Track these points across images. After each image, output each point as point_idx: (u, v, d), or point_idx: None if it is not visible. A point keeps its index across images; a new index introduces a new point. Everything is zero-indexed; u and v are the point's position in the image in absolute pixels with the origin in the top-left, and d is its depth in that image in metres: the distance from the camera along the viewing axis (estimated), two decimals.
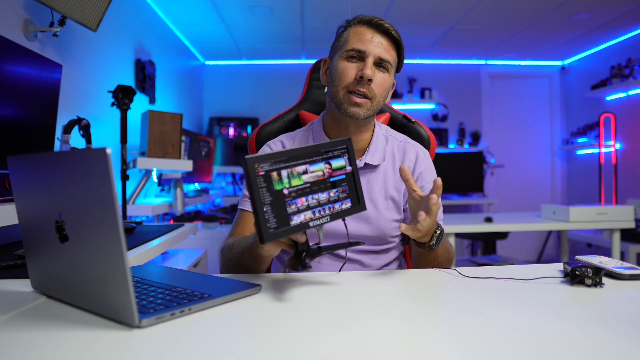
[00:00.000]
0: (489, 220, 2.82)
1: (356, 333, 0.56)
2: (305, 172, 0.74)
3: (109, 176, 0.53)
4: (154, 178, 2.71)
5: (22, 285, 0.79)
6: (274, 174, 0.70)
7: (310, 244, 0.80)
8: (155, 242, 1.34)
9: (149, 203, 2.52)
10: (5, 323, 0.60)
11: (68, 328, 0.58)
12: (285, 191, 0.71)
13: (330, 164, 0.78)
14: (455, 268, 0.91)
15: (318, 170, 0.76)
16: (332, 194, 0.77)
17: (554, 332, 0.56)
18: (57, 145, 1.62)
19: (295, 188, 0.72)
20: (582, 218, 2.73)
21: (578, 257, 0.88)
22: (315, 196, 0.74)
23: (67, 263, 0.64)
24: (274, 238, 0.68)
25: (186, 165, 2.50)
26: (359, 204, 0.81)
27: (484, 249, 4.34)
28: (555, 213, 2.88)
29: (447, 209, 4.75)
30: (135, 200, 2.44)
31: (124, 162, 2.08)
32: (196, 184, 3.58)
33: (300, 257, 0.75)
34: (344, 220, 0.83)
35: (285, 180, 0.71)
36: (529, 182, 5.16)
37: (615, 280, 0.81)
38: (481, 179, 4.60)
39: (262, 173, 0.69)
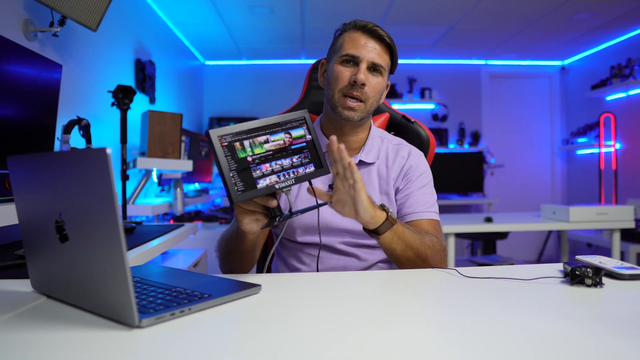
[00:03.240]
0: (489, 220, 2.82)
1: (356, 332, 0.56)
2: (266, 142, 0.81)
3: (109, 176, 0.53)
4: (154, 178, 2.71)
5: (22, 285, 0.79)
6: (237, 144, 0.77)
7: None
8: (155, 242, 1.34)
9: (149, 203, 2.52)
10: (5, 323, 0.60)
11: (68, 328, 0.58)
12: (249, 158, 0.78)
13: (290, 134, 0.84)
14: (455, 268, 0.91)
15: (279, 139, 0.83)
16: (294, 160, 0.84)
17: (554, 332, 0.56)
18: (57, 145, 1.62)
19: (259, 155, 0.79)
20: (582, 218, 2.73)
21: (578, 257, 0.88)
22: (279, 162, 0.82)
23: (67, 263, 0.64)
24: (242, 199, 0.76)
25: (186, 165, 2.50)
26: (322, 167, 0.87)
27: (484, 249, 4.34)
28: (555, 213, 2.88)
29: (447, 209, 4.75)
30: (135, 200, 2.44)
31: (124, 162, 2.08)
32: (196, 184, 3.58)
33: (274, 219, 0.83)
34: (310, 183, 0.88)
35: (248, 149, 0.78)
36: (529, 182, 5.16)
37: (615, 280, 0.81)
38: (481, 179, 4.60)
39: (226, 144, 0.76)
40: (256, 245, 1.00)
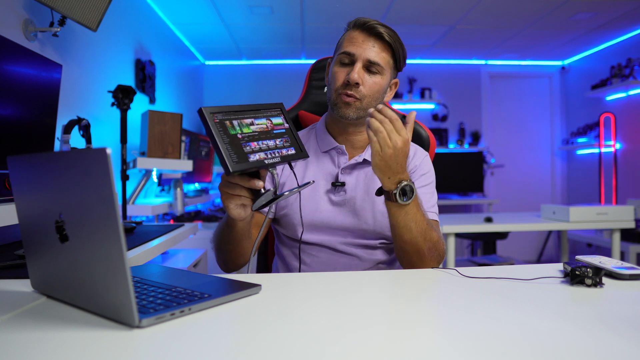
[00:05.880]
0: (489, 220, 2.82)
1: (356, 332, 0.56)
2: (252, 124, 0.87)
3: (109, 176, 0.53)
4: (154, 178, 2.71)
5: (22, 285, 0.79)
6: (227, 122, 0.82)
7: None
8: (155, 242, 1.34)
9: (149, 203, 2.52)
10: (5, 323, 0.60)
11: (68, 328, 0.58)
12: (239, 136, 0.83)
13: (271, 120, 0.91)
14: (455, 268, 0.91)
15: (262, 123, 0.89)
16: (277, 142, 0.89)
17: (554, 332, 0.56)
18: (57, 145, 1.62)
19: (247, 134, 0.85)
20: (582, 218, 2.73)
21: (578, 257, 0.88)
22: (265, 142, 0.87)
23: (67, 263, 0.64)
24: (238, 169, 0.79)
25: (186, 165, 2.50)
26: (301, 152, 0.93)
27: (484, 249, 4.34)
28: (555, 213, 2.88)
29: (447, 209, 4.75)
30: (135, 200, 2.44)
31: (124, 162, 2.08)
32: (196, 184, 3.58)
33: (259, 198, 0.87)
34: (290, 165, 0.94)
35: (237, 128, 0.83)
36: (529, 182, 5.16)
37: (615, 280, 0.81)
38: (481, 179, 4.60)
39: (217, 120, 0.81)
40: (246, 235, 1.00)
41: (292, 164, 0.94)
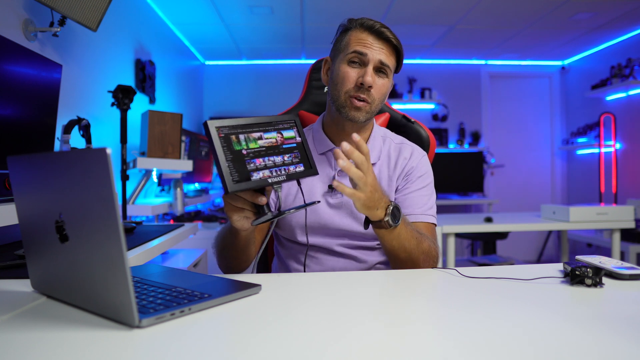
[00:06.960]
0: (489, 220, 2.82)
1: (356, 332, 0.56)
2: (260, 139, 0.83)
3: (109, 176, 0.53)
4: (154, 178, 2.71)
5: (22, 285, 0.79)
6: (233, 137, 0.79)
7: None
8: (155, 242, 1.34)
9: (149, 203, 2.52)
10: (5, 323, 0.60)
11: (68, 328, 0.58)
12: (244, 152, 0.79)
13: (282, 134, 0.86)
14: (455, 268, 0.91)
15: (271, 137, 0.85)
16: (286, 158, 0.86)
17: (554, 332, 0.56)
18: (57, 145, 1.62)
19: (253, 150, 0.81)
20: (582, 218, 2.73)
21: (578, 257, 0.88)
22: (271, 158, 0.83)
23: (67, 263, 0.64)
24: (237, 189, 0.76)
25: (186, 165, 2.50)
26: (311, 168, 0.89)
27: (484, 249, 4.34)
28: (555, 213, 2.88)
29: (447, 209, 4.75)
30: (135, 200, 2.44)
31: (124, 162, 2.08)
32: (196, 184, 3.58)
33: (262, 213, 0.84)
34: (299, 182, 0.91)
35: (243, 143, 0.80)
36: (529, 182, 5.16)
37: (615, 280, 0.81)
38: (481, 179, 4.60)
39: (222, 135, 0.78)
40: (250, 243, 0.99)
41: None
